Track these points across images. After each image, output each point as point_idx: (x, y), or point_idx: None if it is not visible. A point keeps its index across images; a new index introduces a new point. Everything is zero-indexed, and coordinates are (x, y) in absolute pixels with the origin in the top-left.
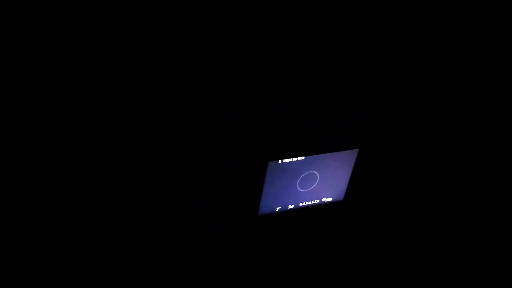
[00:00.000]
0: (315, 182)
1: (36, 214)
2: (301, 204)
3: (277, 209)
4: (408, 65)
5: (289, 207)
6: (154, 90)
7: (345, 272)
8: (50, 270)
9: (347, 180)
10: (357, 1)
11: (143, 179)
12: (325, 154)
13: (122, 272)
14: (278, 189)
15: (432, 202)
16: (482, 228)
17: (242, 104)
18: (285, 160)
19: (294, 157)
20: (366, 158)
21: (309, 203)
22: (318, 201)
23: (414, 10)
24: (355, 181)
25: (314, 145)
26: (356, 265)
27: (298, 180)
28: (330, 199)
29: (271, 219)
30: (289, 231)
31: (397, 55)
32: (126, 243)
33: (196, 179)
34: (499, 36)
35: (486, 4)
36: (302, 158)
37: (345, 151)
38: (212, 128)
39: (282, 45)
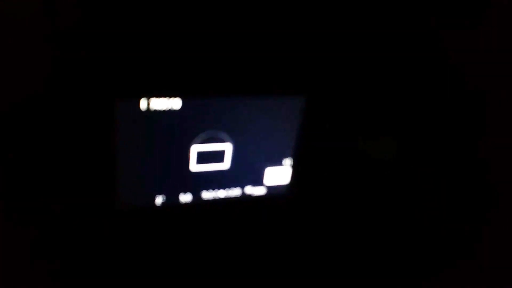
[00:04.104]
0: (225, 156)
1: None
2: (204, 196)
3: (158, 200)
4: None
5: (181, 198)
6: None
7: None
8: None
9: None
10: None
11: None
12: (240, 97)
13: None
14: (147, 163)
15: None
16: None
17: None
18: (154, 103)
19: (174, 96)
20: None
21: (222, 194)
22: (238, 192)
23: None
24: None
25: (223, 80)
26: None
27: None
28: (259, 191)
29: (142, 218)
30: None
31: None
32: None
33: None
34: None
35: None
36: (177, 104)
37: (282, 98)
38: None
39: None
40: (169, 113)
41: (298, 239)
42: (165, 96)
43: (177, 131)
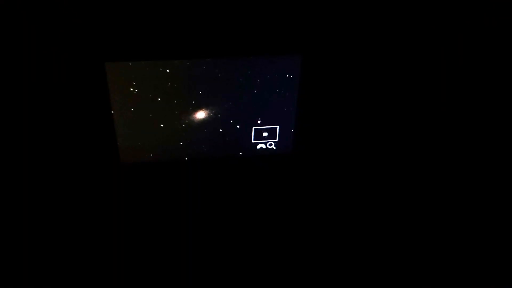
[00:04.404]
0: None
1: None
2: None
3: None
4: None
5: (179, 153)
6: None
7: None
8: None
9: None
10: None
11: None
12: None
13: None
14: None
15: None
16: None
17: None
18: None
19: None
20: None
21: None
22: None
23: None
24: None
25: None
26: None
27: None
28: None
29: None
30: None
31: None
32: None
33: None
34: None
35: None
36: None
37: (279, 57)
38: None
39: None
40: (161, 74)
41: (300, 196)
42: (155, 59)
43: (171, 95)
